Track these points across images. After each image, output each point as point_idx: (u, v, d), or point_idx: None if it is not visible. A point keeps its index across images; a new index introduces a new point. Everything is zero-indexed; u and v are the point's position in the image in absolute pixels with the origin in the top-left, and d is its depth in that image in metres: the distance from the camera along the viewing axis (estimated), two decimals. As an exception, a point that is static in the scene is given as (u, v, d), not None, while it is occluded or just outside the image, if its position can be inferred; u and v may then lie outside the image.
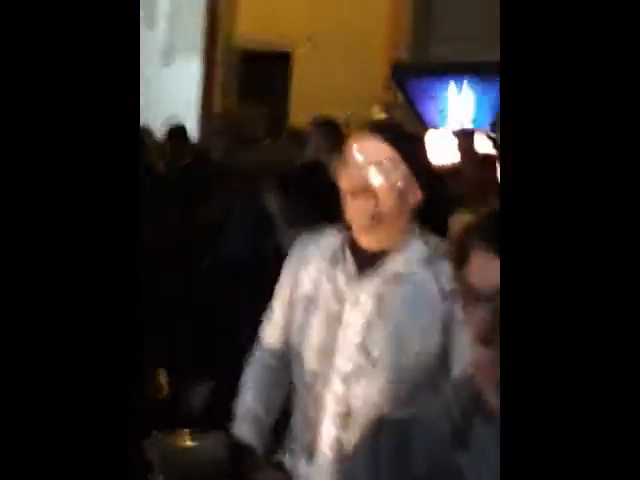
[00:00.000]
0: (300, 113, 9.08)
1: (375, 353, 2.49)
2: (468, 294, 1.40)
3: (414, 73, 9.76)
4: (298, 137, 6.08)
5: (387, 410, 2.31)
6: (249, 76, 12.98)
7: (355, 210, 2.55)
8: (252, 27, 12.38)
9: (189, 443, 2.61)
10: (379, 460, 1.41)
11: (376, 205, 2.53)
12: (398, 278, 2.53)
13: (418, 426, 1.43)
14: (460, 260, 1.44)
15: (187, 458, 2.54)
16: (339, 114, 7.80)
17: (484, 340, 1.33)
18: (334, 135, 5.47)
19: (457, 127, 9.59)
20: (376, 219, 2.54)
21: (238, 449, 2.62)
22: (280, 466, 2.67)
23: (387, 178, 2.53)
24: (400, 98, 10.11)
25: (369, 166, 2.54)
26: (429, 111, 9.54)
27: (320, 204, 3.28)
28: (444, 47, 10.00)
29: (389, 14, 11.35)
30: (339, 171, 2.63)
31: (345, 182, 2.59)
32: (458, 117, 9.67)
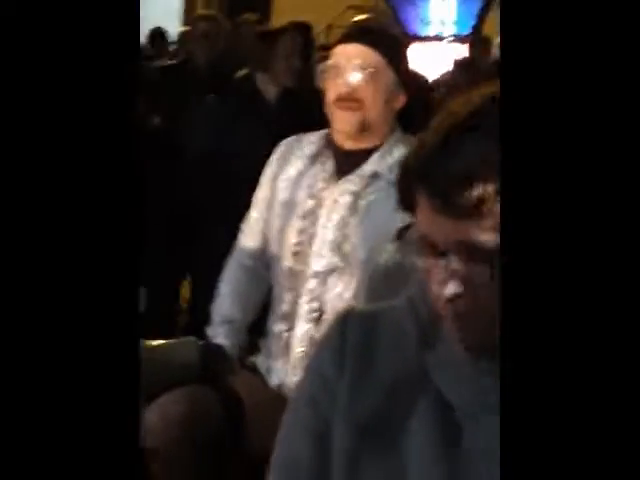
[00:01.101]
0: (282, 21, 9.07)
1: (348, 250, 2.50)
2: (422, 244, 1.29)
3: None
4: (267, 38, 6.06)
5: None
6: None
7: (341, 118, 2.54)
8: None
9: (158, 346, 2.55)
10: (345, 351, 1.42)
11: (363, 113, 2.52)
12: (376, 177, 2.52)
13: (384, 320, 1.44)
14: (406, 205, 1.36)
15: (156, 362, 2.46)
16: (319, 22, 7.85)
17: (447, 301, 1.27)
18: (305, 39, 5.45)
19: (439, 33, 9.64)
20: (362, 126, 2.53)
21: (210, 352, 2.61)
22: (254, 367, 2.69)
23: (374, 84, 2.52)
24: (381, 5, 10.10)
25: (355, 72, 2.52)
26: (410, 18, 9.56)
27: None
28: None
29: None
30: (324, 78, 2.60)
31: (331, 90, 2.56)
32: (440, 23, 9.70)
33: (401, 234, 1.88)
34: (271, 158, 2.75)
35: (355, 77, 2.52)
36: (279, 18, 9.71)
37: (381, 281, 2.31)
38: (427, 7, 9.62)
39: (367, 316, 1.46)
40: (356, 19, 5.20)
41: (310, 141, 2.68)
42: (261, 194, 2.75)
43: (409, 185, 1.29)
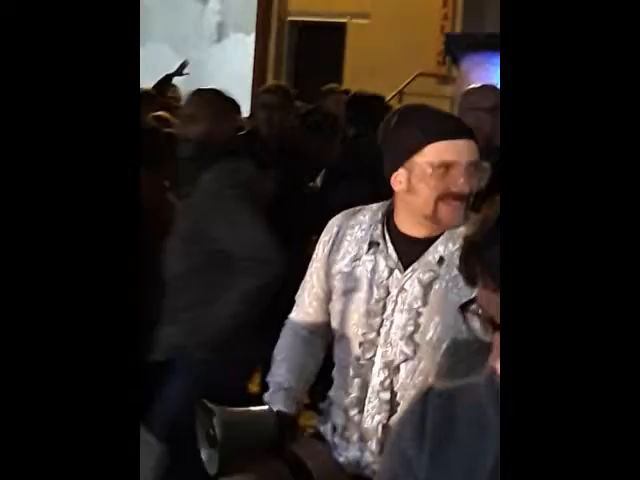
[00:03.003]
0: (354, 86, 9.03)
1: (419, 340, 2.46)
2: (483, 319, 1.38)
3: (468, 46, 9.62)
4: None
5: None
6: (303, 49, 12.95)
7: (449, 213, 2.47)
8: (305, 0, 12.34)
9: (237, 413, 2.58)
10: (425, 428, 1.45)
11: (466, 207, 2.48)
12: (442, 263, 2.48)
13: (464, 398, 1.46)
14: (470, 279, 1.41)
15: (241, 431, 2.52)
16: (392, 87, 7.78)
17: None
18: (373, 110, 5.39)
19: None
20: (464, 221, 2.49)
21: (284, 420, 2.61)
22: (318, 434, 2.67)
23: (480, 181, 2.48)
24: (454, 72, 10.02)
25: (468, 169, 2.46)
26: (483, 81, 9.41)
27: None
28: (498, 21, 9.87)
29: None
30: (430, 174, 2.46)
31: (440, 185, 2.46)
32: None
33: (466, 307, 1.81)
34: (324, 237, 2.70)
35: (467, 174, 2.46)
36: (350, 85, 9.70)
37: (452, 357, 2.26)
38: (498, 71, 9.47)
39: (447, 394, 1.49)
40: (477, 86, 4.98)
41: (361, 222, 2.61)
42: (316, 266, 2.70)
43: (472, 259, 1.34)
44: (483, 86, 4.50)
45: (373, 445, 2.51)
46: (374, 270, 2.52)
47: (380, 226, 2.56)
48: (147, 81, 9.02)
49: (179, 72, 7.58)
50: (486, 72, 9.75)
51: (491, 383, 1.42)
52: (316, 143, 5.57)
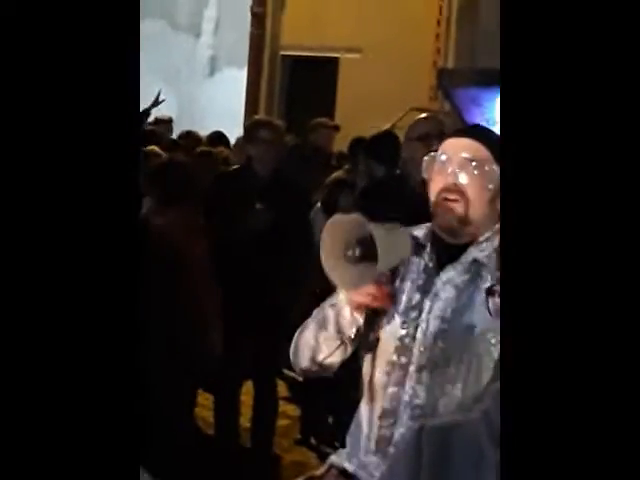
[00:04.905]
0: (346, 121, 9.03)
1: (453, 346, 2.44)
2: None
3: (460, 81, 9.66)
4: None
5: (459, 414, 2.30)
6: (295, 84, 12.99)
7: (444, 212, 2.50)
8: (298, 34, 12.38)
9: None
10: (419, 464, 1.44)
11: (466, 208, 2.48)
12: (475, 265, 2.49)
13: (460, 434, 1.45)
14: None
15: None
16: (385, 122, 7.78)
17: None
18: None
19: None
20: (464, 221, 2.50)
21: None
22: (341, 469, 2.63)
23: (480, 179, 2.48)
24: (447, 107, 10.03)
25: (463, 164, 2.50)
26: (476, 120, 9.42)
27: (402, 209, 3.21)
28: (490, 56, 9.90)
29: (435, 23, 11.29)
30: (430, 168, 2.58)
31: (436, 181, 2.54)
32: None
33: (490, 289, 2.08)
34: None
35: (462, 169, 2.51)
36: (342, 119, 9.71)
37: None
38: (493, 107, 9.48)
39: (442, 430, 1.49)
40: (422, 116, 5.16)
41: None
42: None
43: None
44: (418, 119, 4.81)
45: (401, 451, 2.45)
46: (414, 274, 2.56)
47: (426, 233, 2.61)
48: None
49: (156, 103, 7.62)
50: (478, 107, 9.78)
51: (487, 421, 1.41)
52: (304, 177, 5.60)
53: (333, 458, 2.69)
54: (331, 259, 2.34)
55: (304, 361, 2.63)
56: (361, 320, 2.49)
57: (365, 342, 2.58)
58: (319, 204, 5.59)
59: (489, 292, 2.42)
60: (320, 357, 2.58)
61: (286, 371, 6.31)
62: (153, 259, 4.34)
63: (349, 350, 2.57)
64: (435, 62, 11.25)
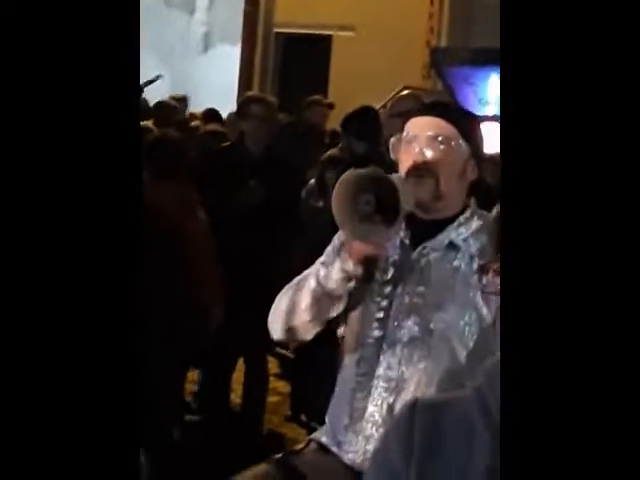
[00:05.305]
0: (339, 99, 9.02)
1: (425, 320, 2.48)
2: None
3: (453, 60, 9.66)
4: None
5: (434, 384, 2.41)
6: (288, 61, 12.97)
7: (415, 189, 2.50)
8: (292, 11, 12.36)
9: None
10: (412, 441, 1.44)
11: (436, 184, 2.52)
12: (451, 248, 2.53)
13: (451, 411, 1.47)
14: None
15: None
16: (377, 100, 7.78)
17: None
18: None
19: (497, 113, 9.52)
20: (436, 197, 2.53)
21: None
22: (321, 446, 2.66)
23: (447, 155, 2.52)
24: (439, 86, 10.04)
25: (428, 142, 2.53)
26: (468, 99, 9.44)
27: None
28: (485, 33, 9.90)
29: (429, 1, 11.28)
30: (397, 149, 2.60)
31: (404, 161, 2.57)
32: (497, 103, 9.58)
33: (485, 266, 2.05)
34: None
35: (428, 146, 2.54)
36: (335, 97, 9.70)
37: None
38: (485, 87, 9.49)
39: (434, 406, 1.49)
40: (403, 93, 5.14)
41: None
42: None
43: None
44: (399, 96, 4.80)
45: (381, 430, 2.48)
46: (388, 251, 2.57)
47: None
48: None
49: (150, 82, 7.58)
50: (471, 86, 9.79)
51: (479, 397, 1.43)
52: (297, 155, 5.58)
53: (316, 433, 2.73)
54: (344, 212, 2.37)
55: (279, 324, 2.63)
56: (360, 271, 2.47)
57: (342, 315, 2.60)
58: (312, 181, 5.58)
59: (482, 270, 2.45)
60: (300, 315, 2.57)
61: (277, 348, 6.33)
62: (148, 233, 4.34)
63: (342, 305, 2.56)
64: (428, 41, 11.26)
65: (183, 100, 9.13)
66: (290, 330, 2.61)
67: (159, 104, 7.69)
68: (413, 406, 1.50)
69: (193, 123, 7.74)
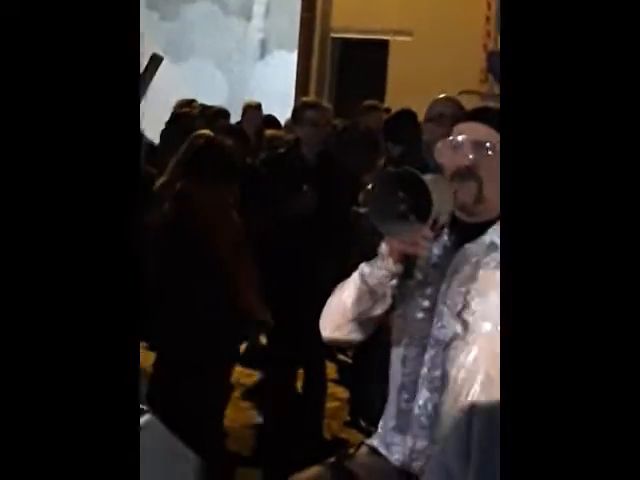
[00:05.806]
0: (396, 104, 9.02)
1: (469, 319, 2.48)
2: None
3: (511, 63, 9.60)
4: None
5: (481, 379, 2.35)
6: (345, 66, 12.98)
7: (459, 192, 2.53)
8: (348, 16, 12.36)
9: None
10: (470, 442, 1.49)
11: (479, 188, 2.55)
12: (493, 248, 2.53)
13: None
14: None
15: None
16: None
17: None
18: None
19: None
20: (479, 200, 2.55)
21: None
22: (373, 449, 2.66)
23: (491, 161, 2.52)
24: (496, 89, 9.99)
25: (474, 147, 2.57)
26: (526, 102, 9.38)
27: None
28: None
29: (485, 5, 11.23)
30: (443, 153, 2.64)
31: (449, 163, 2.60)
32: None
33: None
34: None
35: (473, 152, 2.57)
36: (392, 101, 9.69)
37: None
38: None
39: (491, 409, 1.53)
40: (439, 97, 5.10)
41: None
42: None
43: None
44: (435, 100, 4.72)
45: (427, 430, 2.43)
46: (432, 252, 2.62)
47: None
48: (191, 97, 9.08)
49: (152, 67, 7.43)
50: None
51: None
52: (354, 160, 5.55)
53: (370, 438, 2.75)
54: (381, 212, 2.42)
55: (331, 324, 2.70)
56: (401, 269, 2.54)
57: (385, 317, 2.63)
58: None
59: None
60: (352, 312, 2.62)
61: (337, 355, 6.33)
62: (185, 234, 4.39)
63: (386, 304, 2.60)
64: (485, 45, 11.20)
65: (258, 108, 8.97)
66: (338, 329, 2.67)
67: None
68: (472, 408, 1.55)
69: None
